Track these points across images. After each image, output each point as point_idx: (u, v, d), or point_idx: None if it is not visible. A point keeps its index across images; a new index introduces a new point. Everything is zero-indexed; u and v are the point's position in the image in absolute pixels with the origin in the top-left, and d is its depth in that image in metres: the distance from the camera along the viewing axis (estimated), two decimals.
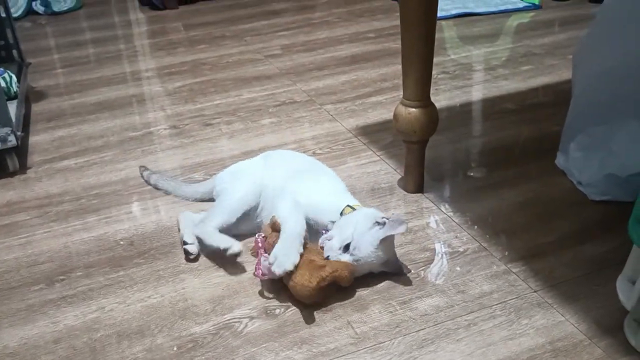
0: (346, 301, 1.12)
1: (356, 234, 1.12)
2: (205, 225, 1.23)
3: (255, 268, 1.13)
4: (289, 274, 1.08)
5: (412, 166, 1.42)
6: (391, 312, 1.09)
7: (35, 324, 1.11)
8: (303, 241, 1.11)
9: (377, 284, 1.15)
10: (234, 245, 1.17)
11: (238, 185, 1.30)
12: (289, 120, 1.84)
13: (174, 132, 1.80)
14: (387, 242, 1.13)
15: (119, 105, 2.00)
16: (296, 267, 1.08)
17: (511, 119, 1.79)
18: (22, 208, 1.46)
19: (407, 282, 1.16)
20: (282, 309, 1.11)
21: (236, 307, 1.12)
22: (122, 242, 1.31)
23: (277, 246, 1.11)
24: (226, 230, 1.22)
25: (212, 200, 1.39)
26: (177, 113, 1.92)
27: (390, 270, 1.16)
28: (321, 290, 1.08)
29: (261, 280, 1.15)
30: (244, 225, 1.26)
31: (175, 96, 2.04)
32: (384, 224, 1.12)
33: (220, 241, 1.19)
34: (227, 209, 1.25)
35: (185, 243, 1.23)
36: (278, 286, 1.15)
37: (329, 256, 1.11)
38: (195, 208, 1.40)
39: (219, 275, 1.20)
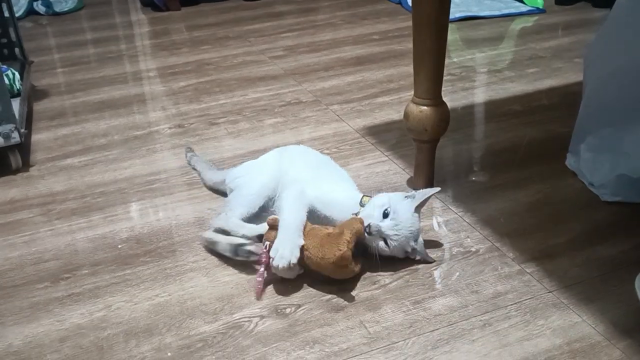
0: (358, 300, 1.10)
1: (392, 201, 1.14)
2: (229, 218, 1.21)
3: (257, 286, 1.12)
4: (318, 263, 1.08)
5: (422, 165, 1.40)
6: (404, 311, 1.07)
7: (40, 322, 1.08)
8: (302, 233, 1.11)
9: (389, 283, 1.14)
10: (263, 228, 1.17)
11: (256, 175, 1.28)
12: (295, 120, 1.82)
13: (179, 131, 1.78)
14: (417, 214, 1.16)
15: (122, 104, 1.98)
16: (316, 248, 1.09)
17: (519, 121, 1.78)
18: (25, 206, 1.44)
19: (420, 282, 1.14)
20: (293, 308, 1.09)
21: (246, 306, 1.10)
22: (127, 241, 1.29)
23: (276, 241, 1.10)
24: (247, 222, 1.21)
25: (219, 191, 1.40)
26: (181, 112, 1.90)
27: (418, 256, 1.17)
28: (352, 254, 1.08)
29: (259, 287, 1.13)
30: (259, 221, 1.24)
31: (180, 96, 2.03)
32: (413, 196, 1.16)
33: (254, 229, 1.17)
34: (248, 198, 1.24)
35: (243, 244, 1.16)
36: (288, 285, 1.13)
37: (369, 224, 1.11)
38: (201, 207, 1.39)
39: (228, 274, 1.18)
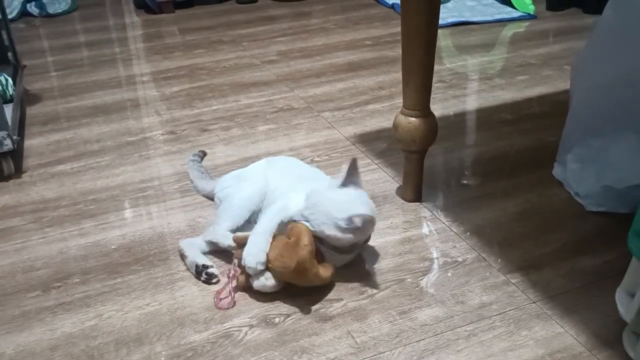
0: (346, 310, 1.12)
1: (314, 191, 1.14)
2: (216, 230, 1.23)
3: (217, 293, 1.14)
4: (283, 274, 1.09)
5: (411, 175, 1.42)
6: (391, 321, 1.09)
7: (31, 331, 1.09)
8: (271, 239, 1.13)
9: (376, 293, 1.16)
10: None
11: (243, 186, 1.31)
12: (286, 127, 1.84)
13: (171, 137, 1.79)
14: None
15: (115, 109, 1.99)
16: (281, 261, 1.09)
17: (508, 129, 1.80)
18: (17, 213, 1.45)
19: (406, 292, 1.16)
20: (282, 318, 1.10)
21: (235, 316, 1.11)
22: (119, 249, 1.30)
23: (247, 245, 1.13)
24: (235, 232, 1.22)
25: (212, 199, 1.41)
26: (174, 118, 1.91)
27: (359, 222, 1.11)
28: (313, 258, 1.09)
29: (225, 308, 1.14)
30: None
31: (172, 101, 2.04)
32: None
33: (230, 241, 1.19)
34: (234, 211, 1.26)
35: (205, 267, 1.19)
36: (277, 295, 1.15)
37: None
38: (190, 217, 1.40)
39: (219, 283, 1.19)
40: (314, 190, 1.16)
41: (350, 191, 1.17)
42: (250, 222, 1.26)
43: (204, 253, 1.24)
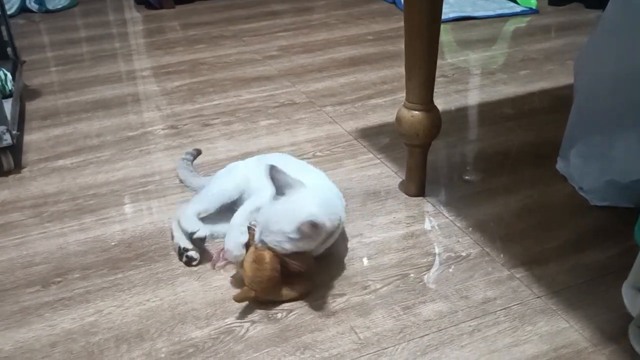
0: (349, 306, 1.11)
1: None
2: (185, 211, 1.25)
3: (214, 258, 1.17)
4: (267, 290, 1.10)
5: (414, 170, 1.41)
6: (394, 317, 1.08)
7: (31, 327, 1.08)
8: (245, 229, 1.13)
9: (380, 288, 1.14)
10: (200, 230, 1.21)
11: (222, 179, 1.32)
12: (288, 121, 1.83)
13: (172, 132, 1.78)
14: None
15: (115, 104, 1.97)
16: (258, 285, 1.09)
17: (510, 124, 1.78)
18: (17, 208, 1.44)
19: (410, 287, 1.15)
20: (284, 313, 1.09)
21: (237, 311, 1.10)
22: (119, 244, 1.29)
23: (226, 238, 1.15)
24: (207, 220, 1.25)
25: None
26: (175, 113, 1.90)
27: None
28: (278, 270, 1.09)
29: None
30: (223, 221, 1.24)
31: (173, 96, 2.02)
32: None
33: (188, 225, 1.22)
34: (206, 198, 1.28)
35: (185, 250, 1.20)
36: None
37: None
38: None
39: (219, 278, 1.18)
40: (260, 211, 1.12)
41: (290, 196, 1.10)
42: (228, 211, 1.23)
43: None
